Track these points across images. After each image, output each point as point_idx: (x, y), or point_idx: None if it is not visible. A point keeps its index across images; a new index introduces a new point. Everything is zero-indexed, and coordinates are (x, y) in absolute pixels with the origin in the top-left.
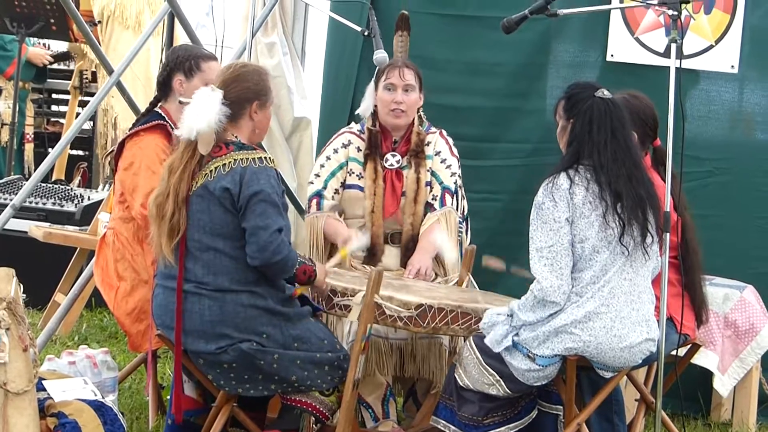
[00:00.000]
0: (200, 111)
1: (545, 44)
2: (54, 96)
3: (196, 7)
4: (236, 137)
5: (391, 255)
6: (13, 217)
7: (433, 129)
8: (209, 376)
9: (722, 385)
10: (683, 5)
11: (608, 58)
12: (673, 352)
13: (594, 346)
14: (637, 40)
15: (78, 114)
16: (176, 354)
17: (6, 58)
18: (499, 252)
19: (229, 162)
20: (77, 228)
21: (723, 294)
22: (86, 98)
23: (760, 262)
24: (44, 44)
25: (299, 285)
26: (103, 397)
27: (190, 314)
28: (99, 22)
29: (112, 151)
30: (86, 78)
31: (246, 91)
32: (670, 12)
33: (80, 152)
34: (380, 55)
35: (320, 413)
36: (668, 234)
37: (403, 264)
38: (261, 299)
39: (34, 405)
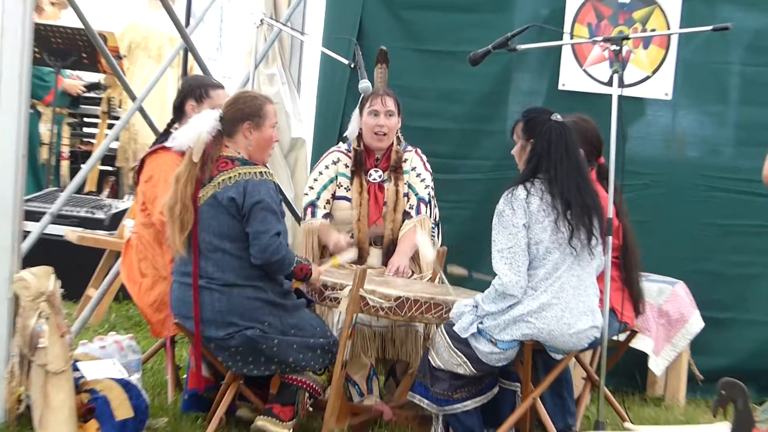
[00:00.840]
0: (194, 126)
1: (507, 75)
2: (86, 119)
3: (207, 43)
4: (239, 154)
5: (374, 255)
6: (51, 223)
7: (410, 148)
8: (219, 358)
9: (656, 365)
10: (624, 41)
11: (560, 87)
12: (615, 338)
13: (547, 332)
14: (585, 71)
15: (106, 135)
16: (196, 340)
17: (45, 87)
18: (466, 252)
19: (234, 175)
20: (106, 232)
21: (657, 288)
22: (113, 121)
23: (688, 262)
24: (77, 75)
25: (296, 281)
26: (129, 376)
27: (203, 305)
28: (124, 55)
29: (135, 166)
30: (113, 105)
31: (238, 112)
32: (613, 47)
33: (109, 167)
34: (364, 84)
35: (313, 390)
36: (611, 237)
37: (385, 263)
38: (263, 293)
39: (70, 383)
